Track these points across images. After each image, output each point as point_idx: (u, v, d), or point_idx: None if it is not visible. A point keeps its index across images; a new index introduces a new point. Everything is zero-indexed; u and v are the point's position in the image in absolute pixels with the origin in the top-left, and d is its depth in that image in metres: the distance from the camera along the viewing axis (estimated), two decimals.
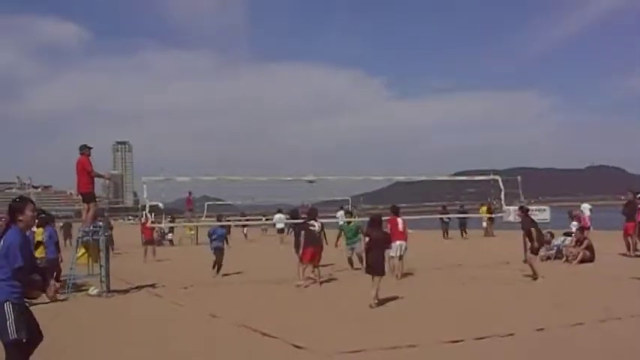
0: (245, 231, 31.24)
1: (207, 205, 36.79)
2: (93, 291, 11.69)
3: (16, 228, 4.75)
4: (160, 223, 22.64)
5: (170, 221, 28.14)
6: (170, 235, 29.54)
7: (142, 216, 21.80)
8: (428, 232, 28.62)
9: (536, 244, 11.82)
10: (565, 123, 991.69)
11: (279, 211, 28.55)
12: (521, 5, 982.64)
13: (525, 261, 12.37)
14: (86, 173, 11.87)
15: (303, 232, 12.43)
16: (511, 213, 16.51)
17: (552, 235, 16.10)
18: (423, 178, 22.58)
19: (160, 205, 18.00)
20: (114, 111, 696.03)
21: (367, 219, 11.16)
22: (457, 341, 6.77)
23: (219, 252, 14.47)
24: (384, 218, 13.36)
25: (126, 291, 12.16)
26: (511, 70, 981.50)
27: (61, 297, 10.81)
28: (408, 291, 10.77)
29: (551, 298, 9.57)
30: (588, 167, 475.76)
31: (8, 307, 4.52)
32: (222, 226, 15.63)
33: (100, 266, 11.94)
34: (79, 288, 12.17)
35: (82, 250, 12.81)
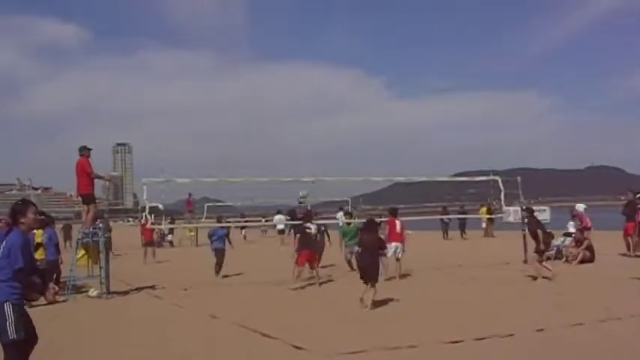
0: (244, 232, 31.22)
1: (207, 206, 36.78)
2: (93, 292, 11.68)
3: (17, 230, 4.83)
4: (159, 224, 22.61)
5: (170, 222, 28.12)
6: (170, 236, 29.54)
7: (142, 217, 21.80)
8: (428, 233, 28.62)
9: (542, 246, 11.79)
10: (565, 123, 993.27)
11: (279, 212, 28.53)
12: (521, 5, 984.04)
13: (525, 261, 12.37)
14: (86, 175, 11.87)
15: (298, 235, 12.42)
16: (511, 214, 16.47)
17: (552, 236, 16.08)
18: (423, 178, 22.57)
19: (160, 206, 17.94)
20: (114, 111, 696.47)
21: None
22: (457, 342, 6.77)
23: (219, 253, 14.47)
24: (382, 219, 13.42)
25: (126, 292, 12.15)
26: (511, 70, 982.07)
27: (61, 298, 10.83)
28: (407, 291, 10.78)
29: (551, 299, 9.56)
30: (588, 167, 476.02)
31: (8, 308, 4.56)
32: (222, 227, 15.63)
33: (100, 268, 11.94)
34: (78, 289, 12.16)
35: (82, 252, 12.82)
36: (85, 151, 11.98)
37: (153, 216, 22.37)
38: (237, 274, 14.57)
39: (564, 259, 14.72)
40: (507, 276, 12.54)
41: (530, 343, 6.73)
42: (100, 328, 8.68)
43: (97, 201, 12.93)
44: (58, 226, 22.61)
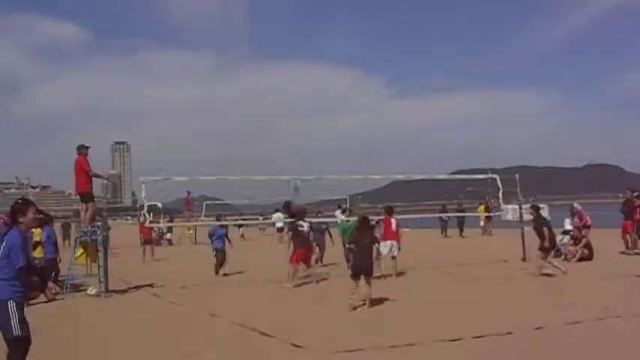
0: (241, 231, 31.18)
1: (206, 204, 36.75)
2: (91, 291, 11.67)
3: (16, 229, 4.91)
4: (158, 222, 22.60)
5: (168, 221, 28.11)
6: (169, 234, 29.55)
7: (141, 216, 21.80)
8: (426, 231, 28.65)
9: (547, 244, 11.76)
10: (564, 121, 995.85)
11: (277, 210, 28.51)
12: (521, 5, 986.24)
13: (524, 259, 12.36)
14: (84, 173, 11.86)
15: (290, 233, 12.40)
16: (509, 212, 16.47)
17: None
18: (422, 176, 22.59)
19: (159, 204, 17.93)
20: (114, 111, 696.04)
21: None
22: (456, 340, 6.77)
23: (220, 253, 14.46)
24: (378, 218, 13.43)
25: (124, 291, 12.14)
26: (511, 69, 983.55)
27: (60, 297, 10.81)
28: (406, 290, 10.78)
29: (549, 297, 9.56)
30: (587, 165, 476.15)
31: (12, 306, 4.70)
32: (222, 226, 15.62)
33: (99, 266, 11.92)
34: (77, 288, 12.16)
35: (81, 250, 12.80)
36: (83, 150, 11.95)
37: (151, 214, 22.40)
38: (237, 273, 14.56)
39: (563, 257, 14.73)
40: (506, 274, 12.54)
41: (529, 341, 6.73)
42: (99, 327, 8.67)
43: (95, 199, 12.92)
44: (57, 224, 22.60)
